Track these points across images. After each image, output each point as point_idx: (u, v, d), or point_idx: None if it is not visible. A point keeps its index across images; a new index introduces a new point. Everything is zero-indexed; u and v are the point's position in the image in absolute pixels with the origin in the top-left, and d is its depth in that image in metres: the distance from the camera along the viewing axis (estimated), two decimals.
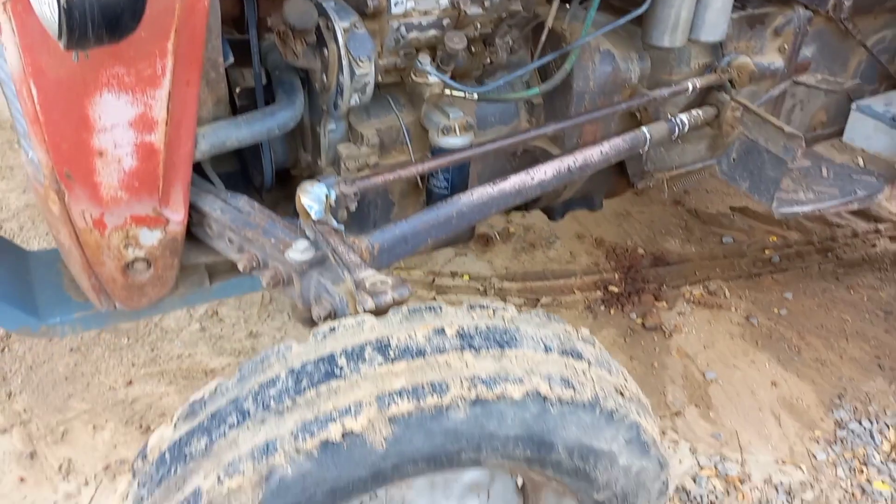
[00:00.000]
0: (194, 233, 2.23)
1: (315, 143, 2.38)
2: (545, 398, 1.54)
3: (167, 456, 1.54)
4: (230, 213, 2.13)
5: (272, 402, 1.48)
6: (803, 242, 4.16)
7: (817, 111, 3.30)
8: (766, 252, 4.07)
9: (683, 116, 2.75)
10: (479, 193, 2.29)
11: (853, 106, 3.16)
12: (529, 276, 3.80)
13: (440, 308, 1.65)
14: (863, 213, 4.42)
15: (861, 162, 3.12)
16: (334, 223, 1.98)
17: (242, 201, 2.16)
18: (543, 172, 2.42)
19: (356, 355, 1.51)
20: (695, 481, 2.88)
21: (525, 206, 3.04)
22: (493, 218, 4.21)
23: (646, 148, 2.67)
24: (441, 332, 1.58)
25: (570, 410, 1.58)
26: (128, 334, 3.36)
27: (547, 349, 1.63)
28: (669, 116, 2.74)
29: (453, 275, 3.80)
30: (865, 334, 3.61)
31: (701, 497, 2.82)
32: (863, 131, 3.15)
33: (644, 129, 2.66)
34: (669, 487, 1.93)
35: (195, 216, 2.17)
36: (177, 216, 2.07)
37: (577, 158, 2.49)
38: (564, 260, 3.94)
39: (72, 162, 1.86)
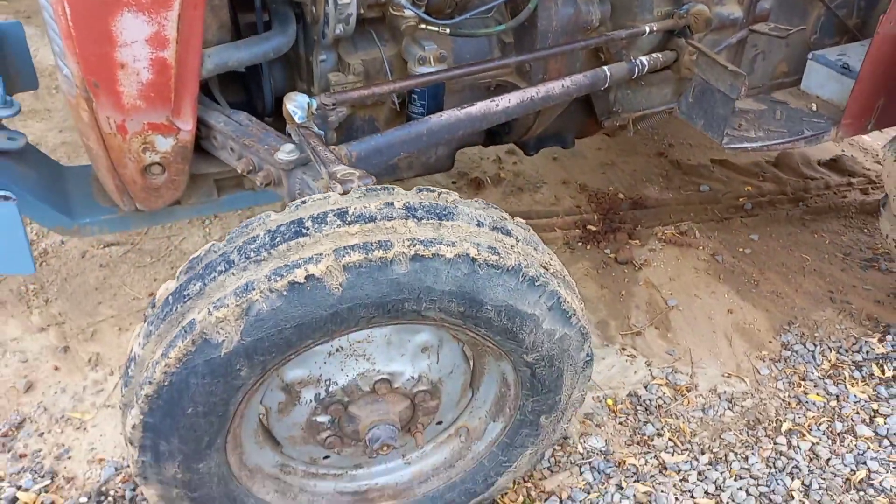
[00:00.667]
0: (203, 145, 2.62)
1: (309, 72, 2.74)
2: (474, 260, 1.89)
3: (170, 299, 1.92)
4: (232, 126, 2.51)
5: (252, 254, 1.85)
6: (777, 192, 4.45)
7: (779, 62, 3.58)
8: (740, 200, 4.37)
9: (644, 58, 3.06)
10: (448, 115, 2.65)
11: (809, 56, 3.44)
12: (514, 216, 4.12)
13: (392, 189, 2.01)
14: (837, 168, 4.69)
15: (814, 107, 3.40)
16: (315, 128, 2.35)
17: (242, 116, 2.55)
18: (507, 101, 2.76)
19: (320, 220, 1.88)
20: (646, 388, 3.22)
21: (500, 141, 3.39)
22: (487, 164, 4.56)
23: (606, 84, 3.00)
24: (390, 204, 1.94)
25: (496, 273, 1.93)
26: (151, 254, 3.77)
27: (479, 224, 1.98)
28: (631, 58, 3.05)
29: None
30: (822, 272, 3.91)
31: (650, 401, 3.16)
32: (817, 79, 3.43)
33: (605, 67, 2.98)
34: (593, 361, 2.28)
35: (203, 130, 2.56)
36: (186, 126, 2.45)
37: (540, 90, 2.83)
38: (549, 202, 4.27)
39: (98, 72, 2.24)
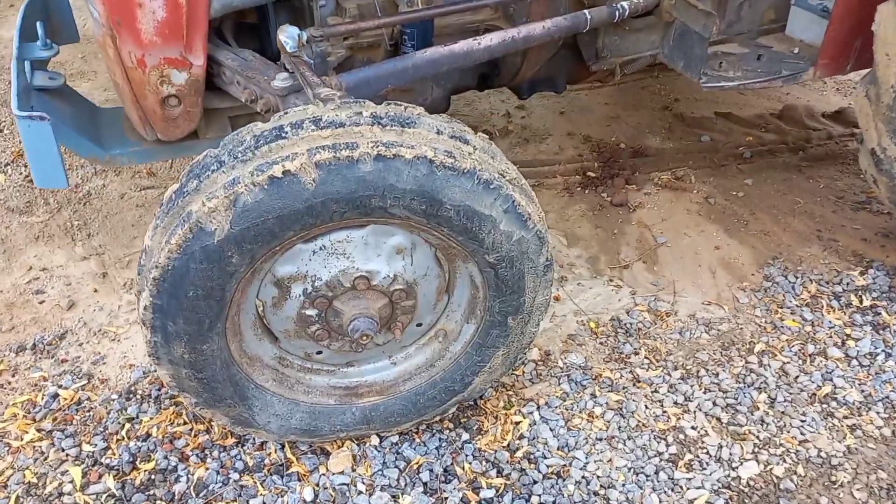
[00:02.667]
0: (215, 83, 2.95)
1: (311, 16, 3.04)
2: (431, 161, 2.17)
3: (173, 196, 2.25)
4: (238, 62, 2.83)
5: (239, 154, 2.16)
6: (777, 142, 4.60)
7: (766, 9, 3.73)
8: (740, 149, 4.53)
9: (625, 3, 3.28)
10: (432, 52, 2.92)
11: (792, 1, 3.60)
12: (520, 164, 4.37)
13: (363, 102, 2.29)
14: (842, 119, 4.80)
15: (796, 50, 3.56)
16: (305, 58, 2.64)
17: (247, 53, 2.88)
18: (490, 40, 3.02)
19: (297, 126, 2.18)
20: (628, 314, 3.45)
21: (493, 84, 3.64)
22: (496, 118, 4.81)
23: (587, 27, 3.23)
24: (359, 113, 2.22)
25: (452, 175, 2.20)
26: None
27: (439, 132, 2.25)
28: (613, 3, 3.27)
29: None
30: (813, 213, 4.07)
31: (631, 325, 3.39)
32: (800, 23, 3.58)
33: (586, 11, 3.21)
34: (554, 267, 2.53)
35: (214, 67, 2.89)
36: (198, 61, 2.78)
37: (522, 31, 3.08)
38: (553, 152, 4.51)
39: (120, 11, 2.58)
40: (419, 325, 2.70)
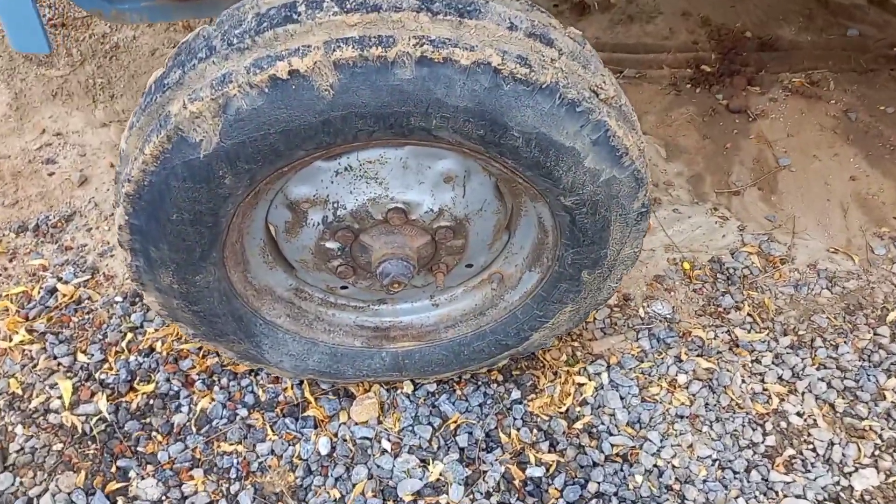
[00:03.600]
0: None
1: None
2: (497, 71, 1.54)
3: (152, 88, 1.70)
4: None
5: (235, 40, 1.57)
6: None
7: None
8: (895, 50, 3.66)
9: None
10: None
11: None
12: (619, 48, 3.64)
13: None
14: None
15: None
16: None
17: None
18: None
19: (315, 4, 1.56)
20: (733, 255, 2.82)
21: None
22: None
23: None
24: None
25: (525, 91, 1.57)
26: None
27: (513, 27, 1.60)
28: None
29: None
30: None
31: (734, 270, 2.77)
32: None
33: None
34: (649, 213, 1.91)
35: None
36: None
37: None
38: (662, 35, 3.72)
39: None
40: (469, 265, 2.15)
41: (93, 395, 2.41)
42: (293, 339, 2.20)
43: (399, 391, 2.42)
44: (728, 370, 2.48)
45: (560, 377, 2.45)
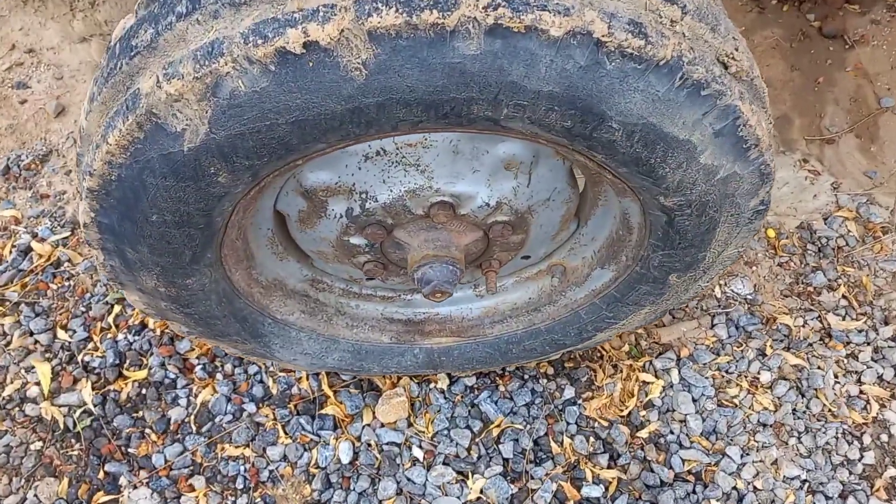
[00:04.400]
0: None
1: None
2: (599, 44, 1.08)
3: (116, 48, 1.24)
4: None
5: None
6: None
7: None
8: None
9: None
10: None
11: None
12: None
13: None
14: None
15: None
16: None
17: None
18: None
19: None
20: (826, 221, 2.38)
21: None
22: None
23: None
24: None
25: (636, 70, 1.12)
26: None
27: None
28: None
29: None
30: None
31: (827, 240, 2.34)
32: None
33: None
34: (767, 210, 1.48)
35: None
36: None
37: None
38: None
39: None
40: (526, 257, 1.74)
41: (76, 381, 2.07)
42: (309, 336, 1.82)
43: (432, 385, 2.07)
44: (820, 368, 2.10)
45: (621, 372, 2.08)
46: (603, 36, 1.08)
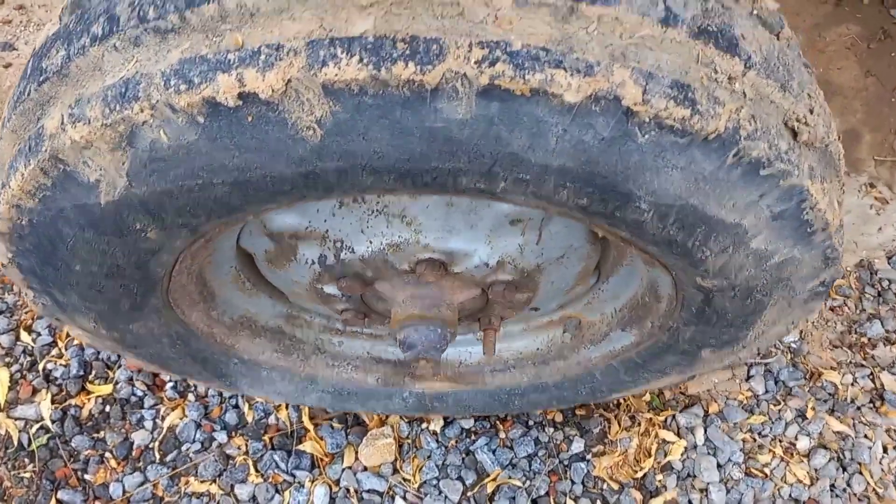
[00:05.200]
0: None
1: None
2: (630, 113, 0.82)
3: (29, 67, 1.00)
4: None
5: (151, 9, 0.85)
6: None
7: None
8: None
9: None
10: None
11: None
12: None
13: None
14: None
15: None
16: None
17: None
18: None
19: None
20: (889, 261, 2.09)
21: None
22: None
23: None
24: None
25: (676, 145, 0.85)
26: None
27: (669, 17, 0.85)
28: None
29: None
30: None
31: (889, 283, 2.05)
32: None
33: None
34: (828, 291, 1.21)
35: None
36: None
37: None
38: None
39: None
40: (535, 309, 1.49)
41: (35, 392, 1.88)
42: (283, 376, 1.60)
43: (424, 426, 1.85)
44: (867, 437, 1.84)
45: (639, 426, 1.84)
46: (635, 104, 0.81)
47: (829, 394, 1.90)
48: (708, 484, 1.77)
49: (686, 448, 1.82)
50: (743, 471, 1.80)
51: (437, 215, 1.15)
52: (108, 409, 1.87)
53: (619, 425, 1.85)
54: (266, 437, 1.84)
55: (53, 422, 1.84)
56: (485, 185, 0.90)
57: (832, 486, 1.79)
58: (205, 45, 0.83)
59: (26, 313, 1.99)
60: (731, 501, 1.76)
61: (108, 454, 1.82)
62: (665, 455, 1.81)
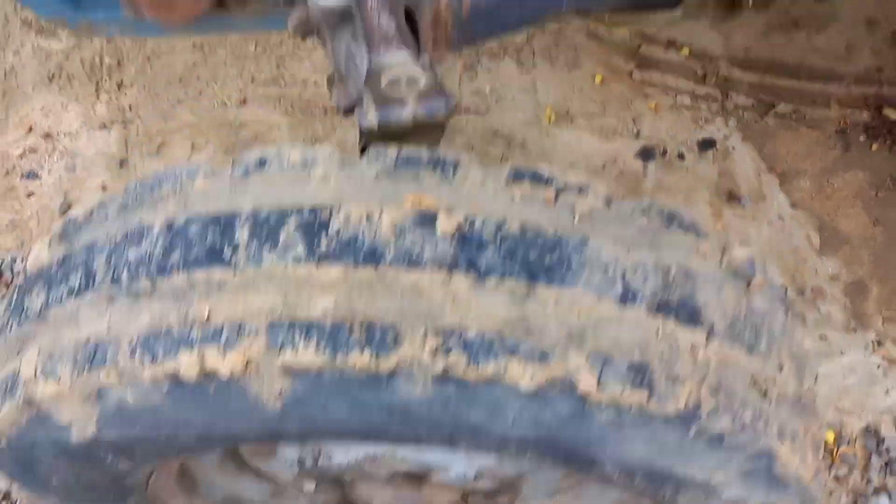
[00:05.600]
0: None
1: None
2: (585, 399, 0.82)
3: (13, 299, 1.04)
4: None
5: (125, 272, 0.88)
6: None
7: None
8: None
9: None
10: None
11: None
12: (774, 68, 2.72)
13: (454, 165, 0.89)
14: None
15: None
16: None
17: None
18: None
19: (267, 232, 0.85)
20: None
21: None
22: None
23: None
24: (430, 221, 0.84)
25: (636, 423, 0.85)
26: (256, 41, 2.85)
27: (627, 295, 0.85)
28: None
29: (669, 44, 2.80)
30: None
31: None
32: None
33: None
34: None
35: None
36: None
37: None
38: (834, 54, 2.76)
39: None
40: None
41: None
42: None
43: None
44: None
45: None
46: (590, 391, 0.81)
47: None
48: None
49: None
50: None
51: None
52: None
53: None
54: None
55: None
56: (448, 447, 0.91)
57: None
58: (173, 312, 0.86)
59: None
60: None
61: None
62: None
